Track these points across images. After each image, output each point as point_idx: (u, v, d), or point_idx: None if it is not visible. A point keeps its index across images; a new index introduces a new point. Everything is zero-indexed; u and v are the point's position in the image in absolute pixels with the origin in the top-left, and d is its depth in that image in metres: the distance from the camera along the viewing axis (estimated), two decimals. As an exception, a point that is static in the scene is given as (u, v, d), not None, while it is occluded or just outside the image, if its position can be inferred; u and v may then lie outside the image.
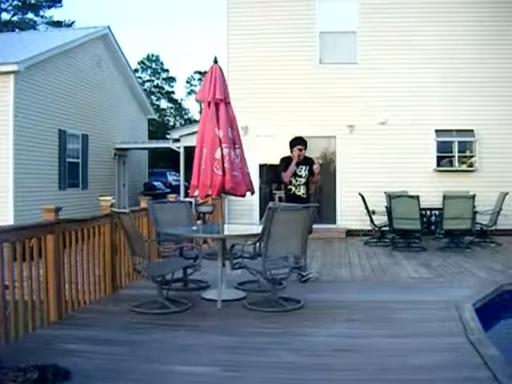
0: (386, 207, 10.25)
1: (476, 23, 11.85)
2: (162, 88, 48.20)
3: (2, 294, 3.99)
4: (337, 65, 12.23)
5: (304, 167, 6.77)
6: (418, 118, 11.85)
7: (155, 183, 23.44)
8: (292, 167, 6.66)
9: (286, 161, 6.79)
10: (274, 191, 12.99)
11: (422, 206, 9.60)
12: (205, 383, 3.57)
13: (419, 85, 11.85)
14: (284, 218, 5.23)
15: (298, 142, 6.75)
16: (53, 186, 13.55)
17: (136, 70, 41.99)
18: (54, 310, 4.78)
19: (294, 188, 6.75)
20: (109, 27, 16.66)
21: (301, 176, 6.77)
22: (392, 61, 11.95)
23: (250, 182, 6.04)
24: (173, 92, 48.85)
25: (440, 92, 11.83)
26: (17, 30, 29.45)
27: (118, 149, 17.72)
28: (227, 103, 5.84)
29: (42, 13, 35.70)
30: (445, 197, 9.62)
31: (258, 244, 5.54)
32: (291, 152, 6.83)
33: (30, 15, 35.40)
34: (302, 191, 6.75)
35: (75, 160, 14.78)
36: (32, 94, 12.47)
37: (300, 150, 6.69)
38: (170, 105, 48.62)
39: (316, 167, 6.70)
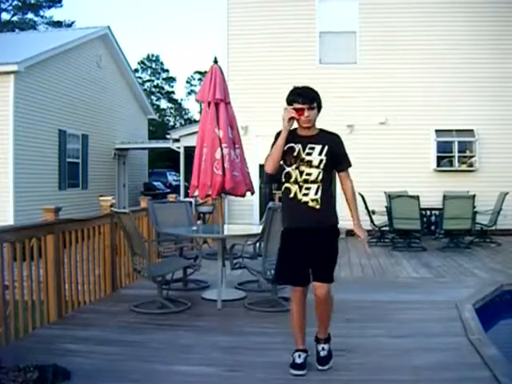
0: (386, 207, 10.25)
1: (476, 23, 11.85)
2: (162, 88, 48.21)
3: (1, 294, 3.99)
4: (337, 65, 12.23)
5: (318, 147, 3.52)
6: (418, 117, 11.85)
7: (155, 183, 23.44)
8: (280, 143, 3.49)
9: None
10: (274, 191, 13.04)
11: (422, 206, 9.60)
12: (205, 383, 3.57)
13: (419, 85, 11.85)
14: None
15: (295, 95, 3.55)
16: (53, 186, 13.55)
17: (136, 70, 42.00)
18: (53, 310, 4.78)
19: (293, 188, 3.52)
20: (109, 27, 16.66)
21: (310, 163, 3.51)
22: (392, 61, 11.95)
23: (250, 181, 6.03)
24: (173, 92, 48.90)
25: (440, 92, 11.83)
26: (17, 30, 29.45)
27: (117, 149, 17.72)
28: (227, 103, 5.83)
29: (41, 13, 35.77)
30: (445, 197, 9.62)
31: (257, 244, 5.54)
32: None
33: (30, 15, 35.47)
34: (311, 195, 3.50)
35: (75, 160, 14.78)
36: (32, 94, 12.47)
37: (299, 110, 3.47)
38: (169, 105, 48.64)
39: None
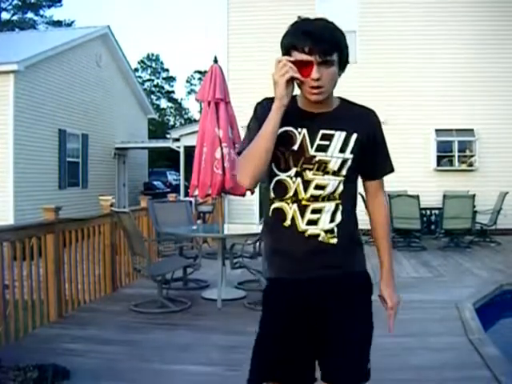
0: (386, 207, 10.24)
1: (476, 22, 11.85)
2: (162, 87, 48.23)
3: (1, 293, 3.99)
4: (337, 64, 12.21)
5: (341, 135, 1.80)
6: (418, 117, 11.84)
7: (155, 183, 23.44)
8: (270, 125, 1.74)
9: (264, 113, 1.81)
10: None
11: (422, 206, 9.60)
12: (205, 382, 3.57)
13: (419, 84, 11.84)
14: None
15: (299, 35, 1.72)
16: (53, 186, 13.55)
17: (136, 70, 42.00)
18: (53, 310, 4.78)
19: (290, 210, 1.80)
20: (109, 27, 16.65)
21: (324, 167, 1.79)
22: (392, 60, 11.94)
23: (250, 181, 6.02)
24: (173, 91, 48.93)
25: (440, 91, 11.83)
26: (17, 30, 29.46)
27: (117, 148, 17.72)
28: (227, 103, 5.84)
29: (41, 12, 35.80)
30: (445, 196, 9.63)
31: (257, 243, 5.54)
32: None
33: (30, 15, 35.52)
34: (323, 224, 1.80)
35: (75, 159, 14.78)
36: (32, 93, 12.46)
37: (304, 66, 1.71)
38: (169, 104, 48.67)
39: None
